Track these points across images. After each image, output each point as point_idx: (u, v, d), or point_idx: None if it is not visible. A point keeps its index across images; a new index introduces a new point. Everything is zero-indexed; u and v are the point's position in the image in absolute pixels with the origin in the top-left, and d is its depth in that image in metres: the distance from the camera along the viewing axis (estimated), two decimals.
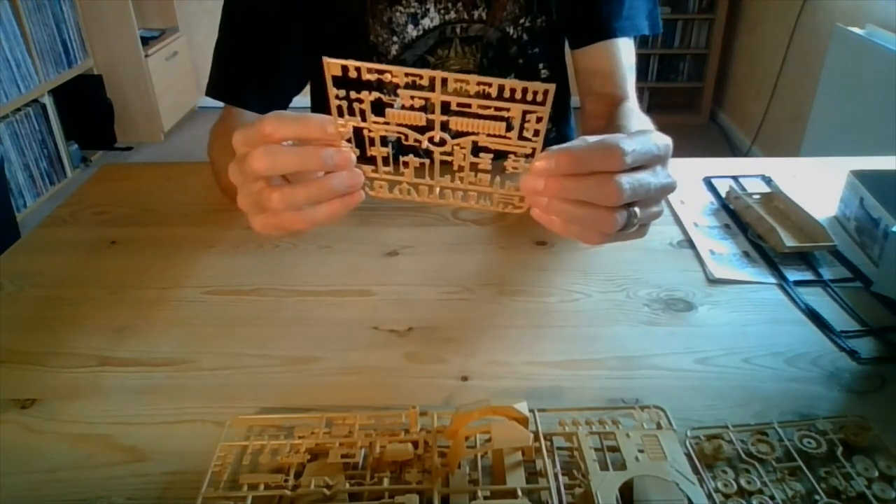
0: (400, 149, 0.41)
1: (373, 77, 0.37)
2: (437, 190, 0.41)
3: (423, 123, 0.39)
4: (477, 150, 0.40)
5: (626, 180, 0.38)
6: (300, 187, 0.40)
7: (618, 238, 0.42)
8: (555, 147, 0.39)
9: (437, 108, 0.38)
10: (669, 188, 0.42)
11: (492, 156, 0.40)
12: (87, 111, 2.79)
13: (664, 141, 0.41)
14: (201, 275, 0.59)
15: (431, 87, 0.37)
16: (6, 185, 1.74)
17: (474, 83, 0.37)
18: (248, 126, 0.40)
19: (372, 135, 0.40)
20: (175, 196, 0.72)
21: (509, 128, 0.38)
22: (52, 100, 2.60)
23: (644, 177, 0.39)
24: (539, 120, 0.37)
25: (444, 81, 0.37)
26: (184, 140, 3.09)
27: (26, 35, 2.41)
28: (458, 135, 0.40)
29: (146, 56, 2.91)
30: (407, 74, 0.36)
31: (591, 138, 0.40)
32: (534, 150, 0.38)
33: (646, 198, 0.40)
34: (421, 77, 0.36)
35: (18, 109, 2.41)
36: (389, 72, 0.36)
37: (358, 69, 0.37)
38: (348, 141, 0.40)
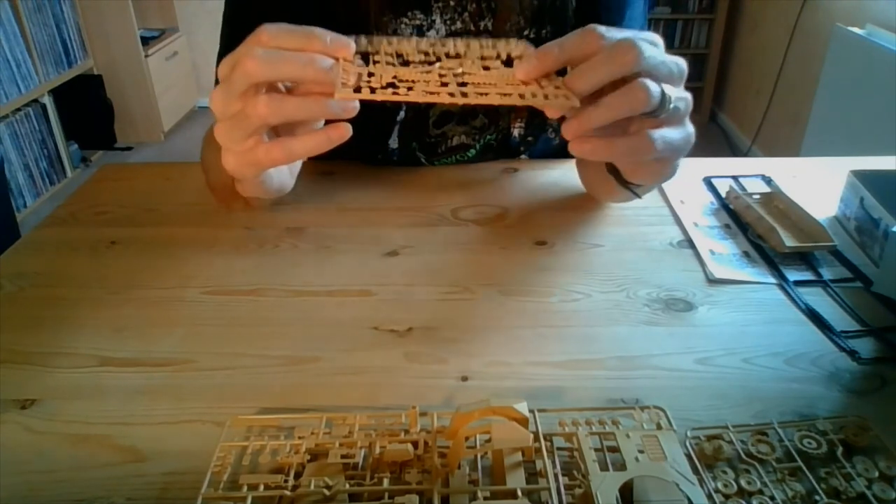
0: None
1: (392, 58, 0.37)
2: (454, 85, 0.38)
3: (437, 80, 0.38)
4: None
5: (639, 42, 0.37)
6: (291, 96, 0.38)
7: (672, 138, 0.41)
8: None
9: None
10: (682, 66, 0.41)
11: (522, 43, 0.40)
12: (87, 111, 2.79)
13: (647, 32, 0.41)
14: (201, 275, 0.59)
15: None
16: (6, 185, 1.74)
17: (462, 45, 0.38)
18: (243, 44, 0.38)
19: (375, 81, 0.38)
20: (175, 196, 0.72)
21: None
22: (52, 100, 2.60)
23: (645, 42, 0.39)
24: None
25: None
26: (184, 140, 3.09)
27: (26, 35, 2.41)
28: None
29: (146, 56, 2.92)
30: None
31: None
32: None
33: (664, 72, 0.39)
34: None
35: (18, 109, 2.41)
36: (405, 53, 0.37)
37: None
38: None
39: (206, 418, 0.43)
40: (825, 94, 2.04)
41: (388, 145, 0.75)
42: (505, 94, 0.37)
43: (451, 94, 0.37)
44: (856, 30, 1.90)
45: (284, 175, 0.57)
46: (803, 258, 0.59)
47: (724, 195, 0.70)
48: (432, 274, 0.58)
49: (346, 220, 0.67)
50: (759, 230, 0.62)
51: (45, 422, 0.43)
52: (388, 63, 0.39)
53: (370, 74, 0.39)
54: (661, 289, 0.55)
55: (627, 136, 0.43)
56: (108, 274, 0.59)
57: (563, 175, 0.74)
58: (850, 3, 2.07)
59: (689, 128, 0.46)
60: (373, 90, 0.38)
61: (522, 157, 0.79)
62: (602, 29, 0.39)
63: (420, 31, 0.69)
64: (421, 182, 0.74)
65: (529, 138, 0.79)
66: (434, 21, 0.69)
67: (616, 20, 0.69)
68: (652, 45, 0.40)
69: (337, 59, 0.39)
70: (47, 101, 2.56)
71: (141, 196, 0.73)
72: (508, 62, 0.41)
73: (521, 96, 0.37)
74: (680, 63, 0.42)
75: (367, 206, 0.70)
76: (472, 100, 0.37)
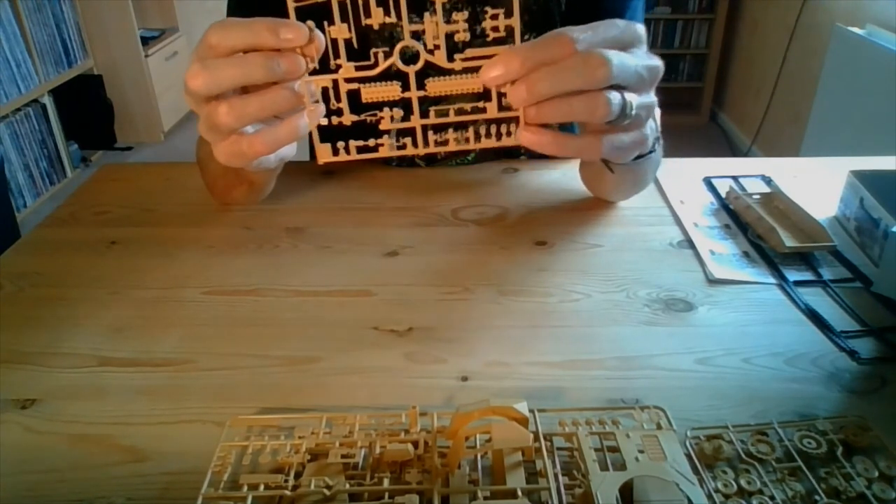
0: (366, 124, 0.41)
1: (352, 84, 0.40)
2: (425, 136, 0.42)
3: (398, 96, 0.40)
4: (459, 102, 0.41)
5: (610, 54, 0.35)
6: (251, 96, 0.36)
7: (621, 144, 0.39)
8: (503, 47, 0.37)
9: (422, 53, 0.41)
10: (655, 69, 0.39)
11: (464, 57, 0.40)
12: (87, 111, 2.79)
13: (631, 25, 0.38)
14: (201, 275, 0.59)
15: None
16: (6, 185, 1.74)
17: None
18: (197, 46, 0.37)
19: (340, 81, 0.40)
20: (175, 196, 0.72)
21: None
22: (52, 100, 2.60)
23: (620, 54, 0.36)
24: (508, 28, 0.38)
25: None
26: (184, 140, 3.09)
27: (26, 35, 2.41)
28: (435, 101, 0.41)
29: (146, 56, 2.92)
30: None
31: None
32: (510, 28, 0.39)
33: (634, 81, 0.37)
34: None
35: (18, 109, 2.41)
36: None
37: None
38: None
39: (206, 418, 0.43)
40: (825, 94, 2.04)
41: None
42: (462, 141, 0.42)
43: (416, 146, 0.42)
44: (856, 30, 1.90)
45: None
46: (803, 258, 0.59)
47: (724, 195, 0.70)
48: (432, 274, 0.58)
49: (346, 220, 0.67)
50: (759, 230, 0.62)
51: (45, 422, 0.43)
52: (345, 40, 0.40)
53: (331, 68, 0.40)
54: (661, 289, 0.55)
55: (578, 137, 0.42)
56: (107, 274, 0.59)
57: (563, 175, 0.74)
58: (850, 3, 2.07)
59: (647, 128, 0.43)
60: (348, 150, 0.43)
61: (522, 157, 0.79)
62: (576, 33, 0.36)
63: (416, 36, 0.69)
64: (421, 182, 0.74)
65: None
66: None
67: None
68: (626, 55, 0.38)
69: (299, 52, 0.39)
70: (47, 101, 2.56)
71: (141, 196, 0.73)
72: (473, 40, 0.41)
73: (477, 138, 0.42)
74: (653, 68, 0.40)
75: (367, 206, 0.70)
76: (433, 148, 0.42)
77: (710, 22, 3.03)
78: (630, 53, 0.38)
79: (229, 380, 0.47)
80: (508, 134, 0.41)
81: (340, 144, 0.43)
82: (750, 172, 0.74)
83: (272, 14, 0.67)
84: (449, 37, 0.41)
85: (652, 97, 0.41)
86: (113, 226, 0.67)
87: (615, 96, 0.37)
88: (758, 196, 0.67)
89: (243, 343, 0.50)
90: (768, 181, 0.72)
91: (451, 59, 0.41)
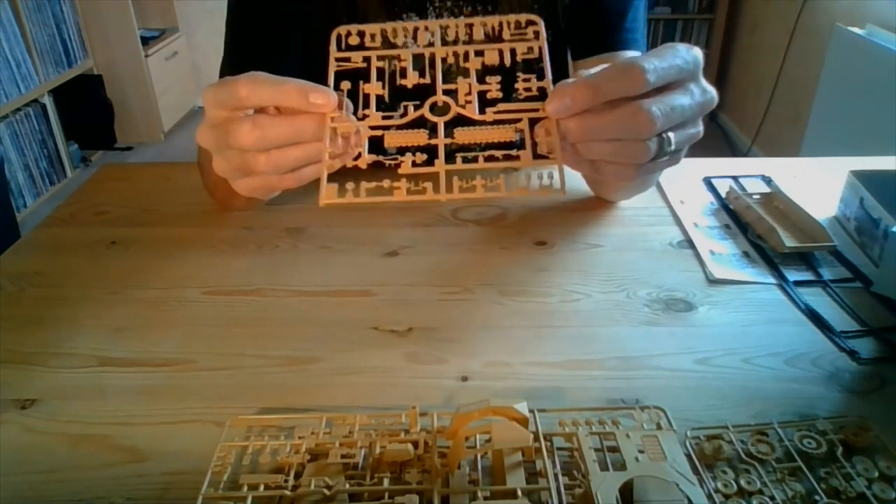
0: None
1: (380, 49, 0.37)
2: (448, 183, 0.38)
3: (424, 142, 0.39)
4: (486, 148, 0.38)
5: (657, 108, 0.34)
6: (290, 150, 0.37)
7: (651, 169, 0.38)
8: (568, 80, 0.35)
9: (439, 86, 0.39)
10: (708, 105, 0.38)
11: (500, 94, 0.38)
12: (87, 111, 2.79)
13: (691, 52, 0.37)
14: (201, 275, 0.59)
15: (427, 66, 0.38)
16: (6, 185, 1.74)
17: (462, 25, 0.37)
18: (221, 85, 0.37)
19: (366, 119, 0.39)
20: (175, 196, 0.72)
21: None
22: (52, 100, 2.60)
23: (676, 98, 0.35)
24: (539, 60, 0.37)
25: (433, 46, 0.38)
26: (184, 140, 3.09)
27: (26, 35, 2.41)
28: (462, 148, 0.39)
29: (146, 56, 2.92)
30: (404, 33, 0.38)
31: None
32: (542, 89, 0.37)
33: (679, 122, 0.36)
34: (413, 31, 0.39)
35: (18, 109, 2.41)
36: (398, 56, 0.37)
37: (361, 35, 0.38)
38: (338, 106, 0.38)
39: (206, 418, 0.43)
40: (825, 94, 2.04)
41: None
42: (491, 188, 0.37)
43: (437, 192, 0.37)
44: (856, 30, 1.90)
45: None
46: (803, 258, 0.59)
47: (724, 195, 0.70)
48: (432, 274, 0.58)
49: (346, 220, 0.67)
50: (759, 230, 0.62)
51: (45, 422, 0.43)
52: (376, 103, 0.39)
53: (358, 131, 0.39)
54: (661, 289, 0.55)
55: (614, 165, 0.40)
56: (107, 274, 0.59)
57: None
58: (850, 3, 2.07)
59: (682, 154, 0.43)
60: (357, 192, 0.39)
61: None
62: (646, 63, 0.34)
63: (415, 34, 0.69)
64: None
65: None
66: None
67: (616, 21, 0.69)
68: (676, 102, 0.36)
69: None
70: (47, 101, 2.56)
71: (141, 196, 0.73)
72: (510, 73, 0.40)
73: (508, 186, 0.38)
74: (705, 104, 0.38)
75: (366, 206, 0.69)
76: (456, 195, 0.37)
77: (710, 22, 3.03)
78: (685, 91, 0.37)
79: (229, 380, 0.47)
80: (545, 182, 0.38)
81: (349, 185, 0.40)
82: (750, 172, 0.74)
83: (272, 11, 0.68)
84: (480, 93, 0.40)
85: (696, 128, 0.39)
86: (113, 226, 0.67)
87: (654, 144, 0.37)
88: (758, 196, 0.67)
89: (243, 343, 0.50)
90: (768, 181, 0.72)
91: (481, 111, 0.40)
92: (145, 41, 2.94)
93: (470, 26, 0.41)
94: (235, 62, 0.69)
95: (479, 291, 0.56)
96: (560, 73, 0.76)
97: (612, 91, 0.34)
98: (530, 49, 0.39)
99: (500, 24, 0.39)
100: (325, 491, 0.36)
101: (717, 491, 0.36)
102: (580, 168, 0.38)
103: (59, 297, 0.56)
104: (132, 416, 0.44)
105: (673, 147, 0.37)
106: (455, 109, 0.39)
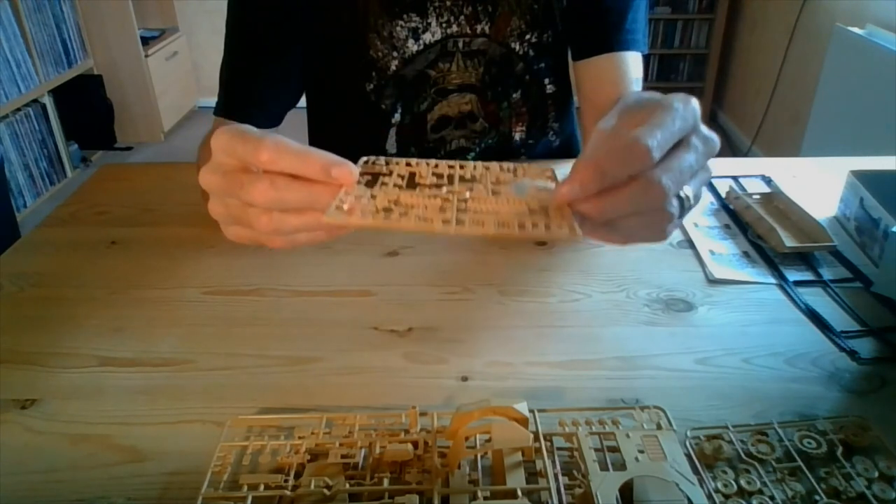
0: None
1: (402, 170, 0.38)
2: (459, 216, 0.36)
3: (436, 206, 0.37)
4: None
5: (667, 178, 0.35)
6: (293, 217, 0.37)
7: (679, 224, 0.40)
8: (577, 162, 0.36)
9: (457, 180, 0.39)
10: (711, 152, 0.39)
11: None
12: (87, 111, 2.79)
13: (689, 107, 0.38)
14: (201, 275, 0.59)
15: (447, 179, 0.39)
16: (6, 185, 1.74)
17: (481, 168, 0.39)
18: (240, 138, 0.36)
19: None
20: (175, 196, 0.72)
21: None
22: (52, 100, 2.60)
23: (683, 159, 0.36)
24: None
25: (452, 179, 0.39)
26: (184, 140, 3.09)
27: (26, 35, 2.41)
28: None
29: (146, 56, 2.91)
30: (429, 166, 0.39)
31: (604, 128, 0.37)
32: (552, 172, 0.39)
33: (692, 175, 0.37)
34: (437, 166, 0.39)
35: (18, 109, 2.41)
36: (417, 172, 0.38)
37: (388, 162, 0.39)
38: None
39: (206, 418, 0.43)
40: (825, 94, 2.04)
41: (386, 150, 0.75)
42: (502, 224, 0.36)
43: (446, 222, 0.35)
44: (856, 30, 1.90)
45: None
46: (803, 258, 0.59)
47: (724, 195, 0.70)
48: (432, 274, 0.58)
49: None
50: (758, 230, 0.62)
51: (45, 422, 0.43)
52: (395, 185, 0.39)
53: (372, 196, 0.37)
54: (661, 289, 0.55)
55: (643, 232, 0.40)
56: (108, 274, 0.59)
57: (563, 175, 0.74)
58: (850, 3, 2.07)
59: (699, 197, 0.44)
60: (363, 212, 0.36)
61: (522, 156, 0.79)
62: (650, 141, 0.34)
63: (415, 34, 0.69)
64: None
65: (530, 141, 0.79)
66: (430, 24, 0.69)
67: (617, 21, 0.69)
68: (685, 163, 0.37)
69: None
70: (47, 101, 2.56)
71: (141, 196, 0.73)
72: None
73: (521, 226, 0.36)
74: (709, 152, 0.38)
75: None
76: (468, 230, 0.35)
77: (710, 22, 3.03)
78: (689, 149, 0.37)
79: (229, 380, 0.47)
80: (559, 227, 0.36)
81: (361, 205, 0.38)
82: (750, 172, 0.74)
83: (272, 11, 0.67)
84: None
85: (707, 172, 0.40)
86: (113, 226, 0.67)
87: (675, 207, 0.37)
88: (758, 196, 0.67)
89: (243, 343, 0.50)
90: (768, 181, 0.72)
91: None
92: (145, 41, 2.93)
93: (486, 168, 0.41)
94: (236, 62, 0.69)
95: (479, 291, 0.56)
96: (560, 73, 0.76)
97: (619, 173, 0.35)
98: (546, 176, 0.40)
99: (516, 169, 0.39)
100: (325, 491, 0.36)
101: (717, 491, 0.36)
102: (611, 240, 0.38)
103: (59, 297, 0.56)
104: (132, 416, 0.44)
105: (693, 202, 0.38)
106: (467, 196, 0.38)
